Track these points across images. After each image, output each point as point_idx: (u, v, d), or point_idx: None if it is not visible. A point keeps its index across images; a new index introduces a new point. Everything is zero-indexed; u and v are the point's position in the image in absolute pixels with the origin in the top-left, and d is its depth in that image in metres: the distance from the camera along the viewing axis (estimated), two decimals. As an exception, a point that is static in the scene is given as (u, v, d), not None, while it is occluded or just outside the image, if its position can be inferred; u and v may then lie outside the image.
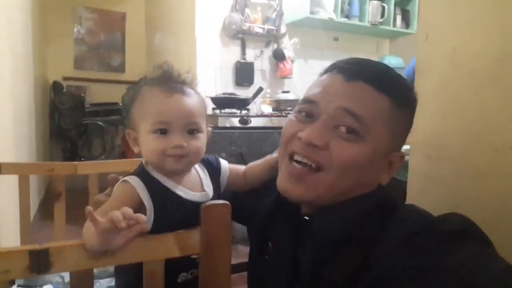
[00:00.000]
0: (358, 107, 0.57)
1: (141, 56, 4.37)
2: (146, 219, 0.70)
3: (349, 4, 2.98)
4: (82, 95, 4.52)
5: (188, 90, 0.74)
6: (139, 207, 0.70)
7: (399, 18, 3.22)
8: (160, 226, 0.70)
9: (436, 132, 0.73)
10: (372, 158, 0.58)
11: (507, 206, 0.63)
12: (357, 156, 0.57)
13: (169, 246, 0.67)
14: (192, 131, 0.73)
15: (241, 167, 0.88)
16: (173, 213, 0.72)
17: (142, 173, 0.74)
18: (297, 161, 0.60)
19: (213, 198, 0.78)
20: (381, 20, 3.02)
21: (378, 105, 0.58)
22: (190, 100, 0.73)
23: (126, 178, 0.72)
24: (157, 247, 0.67)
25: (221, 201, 0.70)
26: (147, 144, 0.72)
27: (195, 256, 0.73)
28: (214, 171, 0.83)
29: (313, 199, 0.61)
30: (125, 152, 4.15)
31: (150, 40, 3.86)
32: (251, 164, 0.89)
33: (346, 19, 2.91)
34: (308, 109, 0.62)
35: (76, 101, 4.27)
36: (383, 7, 3.01)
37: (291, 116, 0.65)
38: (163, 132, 0.71)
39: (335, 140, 0.58)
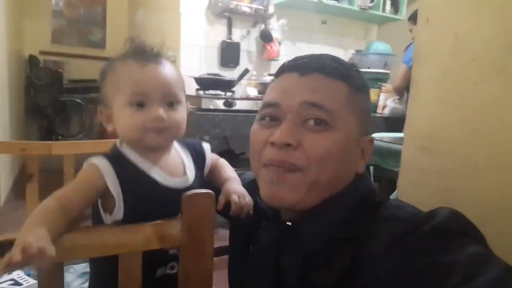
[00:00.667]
0: (319, 97, 0.58)
1: (123, 32, 4.20)
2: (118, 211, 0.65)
3: (339, -14, 2.91)
4: (60, 71, 4.33)
5: (164, 61, 0.69)
6: (105, 193, 0.65)
7: (388, 3, 3.18)
8: (133, 215, 0.64)
9: (432, 123, 0.69)
10: (347, 145, 0.58)
11: (507, 202, 0.61)
12: (332, 145, 0.57)
13: (148, 237, 0.63)
14: (171, 103, 0.68)
15: (215, 159, 0.83)
16: (148, 201, 0.67)
17: (114, 155, 0.68)
18: (273, 165, 0.59)
19: (193, 184, 0.72)
20: (371, 4, 2.97)
21: (338, 92, 0.59)
22: (167, 70, 0.69)
23: (92, 159, 0.66)
24: (135, 239, 0.62)
25: (204, 190, 0.66)
26: (124, 119, 0.67)
27: (173, 251, 0.70)
28: (197, 155, 0.78)
29: (299, 201, 0.58)
30: (104, 131, 4.03)
31: (133, 16, 3.72)
32: (225, 168, 0.82)
33: (335, 1, 2.85)
34: (271, 113, 0.61)
35: (53, 77, 4.09)
36: (373, -9, 2.96)
37: (255, 125, 0.64)
38: (140, 104, 0.66)
39: (306, 135, 0.57)
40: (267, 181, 0.59)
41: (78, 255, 0.60)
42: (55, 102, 4.13)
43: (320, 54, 0.65)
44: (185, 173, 0.73)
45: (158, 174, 0.68)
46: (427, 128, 0.70)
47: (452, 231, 0.48)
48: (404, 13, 3.12)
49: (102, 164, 0.65)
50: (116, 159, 0.67)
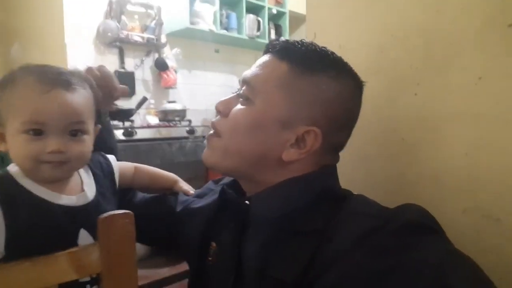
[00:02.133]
0: (252, 74, 0.60)
1: (-5, 68, 3.77)
2: None
3: (227, 17, 3.08)
4: None
5: (73, 83, 0.62)
6: None
7: (273, 32, 3.46)
8: (23, 242, 0.58)
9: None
10: (262, 121, 0.57)
11: (392, 183, 0.72)
12: (243, 115, 0.59)
13: (63, 268, 0.57)
14: (75, 132, 0.62)
15: (129, 165, 0.80)
16: (40, 223, 0.60)
17: (1, 178, 0.61)
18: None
19: (96, 199, 0.67)
20: (258, 33, 3.19)
21: (274, 71, 0.58)
22: (74, 96, 0.61)
23: None
24: (48, 271, 0.56)
25: (122, 211, 0.63)
26: (16, 147, 0.59)
27: (84, 280, 0.63)
28: (102, 170, 0.73)
29: (216, 163, 0.63)
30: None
31: (6, 51, 3.36)
32: (147, 169, 0.83)
33: (225, 31, 3.00)
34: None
35: None
36: (259, 21, 3.20)
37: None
38: (37, 133, 0.58)
39: (235, 107, 0.61)
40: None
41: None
42: None
43: (297, 40, 0.62)
44: (82, 189, 0.67)
45: (49, 194, 0.62)
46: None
47: (422, 228, 0.47)
48: (287, 40, 3.41)
49: None
50: (0, 181, 0.60)
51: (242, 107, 0.60)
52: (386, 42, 0.71)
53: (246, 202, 0.61)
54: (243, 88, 0.61)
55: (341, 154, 0.65)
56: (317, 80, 0.57)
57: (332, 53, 0.60)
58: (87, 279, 0.64)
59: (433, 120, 0.66)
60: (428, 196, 0.66)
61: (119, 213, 0.62)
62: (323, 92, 0.57)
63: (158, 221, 0.78)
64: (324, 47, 0.60)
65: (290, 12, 3.52)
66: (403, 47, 0.69)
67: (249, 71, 0.61)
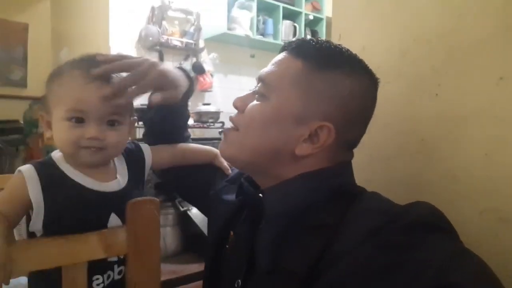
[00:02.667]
0: (268, 72, 0.62)
1: (47, 70, 3.99)
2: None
3: (264, 23, 3.13)
4: (-26, 112, 4.00)
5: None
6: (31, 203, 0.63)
7: (309, 37, 3.47)
8: (59, 222, 0.63)
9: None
10: (277, 117, 0.59)
11: (411, 183, 0.72)
12: (259, 111, 0.60)
13: (92, 246, 0.62)
14: (113, 122, 0.67)
15: (165, 148, 0.83)
16: (74, 205, 0.65)
17: (43, 163, 0.66)
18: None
19: (127, 186, 0.72)
20: (294, 39, 3.21)
21: (289, 68, 0.59)
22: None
23: (21, 167, 0.64)
24: (79, 249, 0.61)
25: (148, 197, 0.67)
26: (60, 133, 0.65)
27: (113, 259, 0.68)
28: (134, 159, 0.77)
29: (231, 156, 0.65)
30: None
31: (57, 54, 3.60)
32: (186, 146, 0.86)
33: (261, 36, 3.05)
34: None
35: (-34, 119, 3.76)
36: (295, 27, 3.23)
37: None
38: (79, 120, 0.64)
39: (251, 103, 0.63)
40: None
41: (20, 268, 0.57)
42: (-31, 146, 3.77)
43: (316, 38, 0.64)
44: (115, 177, 0.71)
45: (86, 180, 0.67)
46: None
47: (429, 226, 0.47)
48: (323, 46, 3.41)
49: (27, 171, 0.63)
50: (44, 165, 0.66)
51: (257, 103, 0.61)
52: (408, 45, 0.72)
53: (260, 195, 0.63)
54: (259, 85, 0.63)
55: (360, 153, 0.65)
56: (331, 76, 0.57)
57: (347, 50, 0.60)
58: (115, 259, 0.69)
59: (453, 120, 0.65)
60: (446, 196, 0.65)
61: (146, 200, 0.66)
62: (336, 88, 0.57)
63: (199, 186, 0.84)
64: (339, 45, 0.61)
65: (327, 18, 3.52)
66: (425, 49, 0.69)
67: (265, 69, 0.62)
